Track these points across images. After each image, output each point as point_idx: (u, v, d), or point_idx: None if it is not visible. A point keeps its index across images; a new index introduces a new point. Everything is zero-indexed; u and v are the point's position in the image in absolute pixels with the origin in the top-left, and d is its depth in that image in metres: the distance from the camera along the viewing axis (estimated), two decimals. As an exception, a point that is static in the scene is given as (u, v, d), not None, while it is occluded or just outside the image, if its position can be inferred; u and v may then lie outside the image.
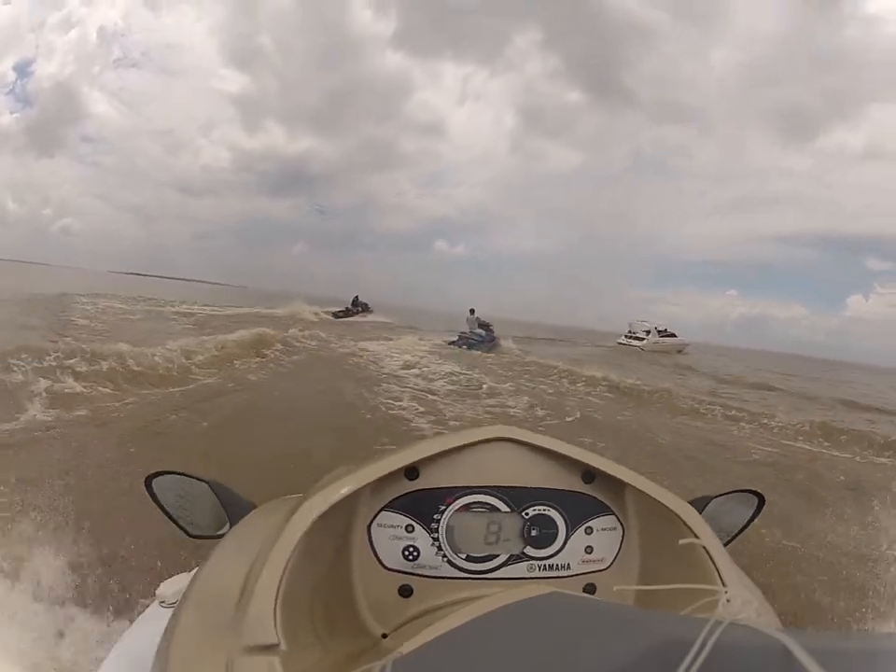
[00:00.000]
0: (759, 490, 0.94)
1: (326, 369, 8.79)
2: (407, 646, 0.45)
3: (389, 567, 0.65)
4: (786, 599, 2.45)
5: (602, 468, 0.67)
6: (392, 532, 0.65)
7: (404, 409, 6.22)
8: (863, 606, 2.38)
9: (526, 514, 0.67)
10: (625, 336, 28.94)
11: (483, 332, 15.17)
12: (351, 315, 24.74)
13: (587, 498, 0.69)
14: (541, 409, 7.12)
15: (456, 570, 0.66)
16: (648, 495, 0.65)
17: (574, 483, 0.69)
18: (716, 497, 0.91)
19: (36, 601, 1.92)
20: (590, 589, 0.68)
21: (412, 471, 0.65)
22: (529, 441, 0.67)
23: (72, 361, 5.78)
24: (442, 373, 9.51)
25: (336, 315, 24.27)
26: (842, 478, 5.08)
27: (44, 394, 4.83)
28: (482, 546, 0.66)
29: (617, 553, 0.69)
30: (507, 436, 0.67)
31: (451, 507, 0.66)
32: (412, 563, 0.65)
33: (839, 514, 3.82)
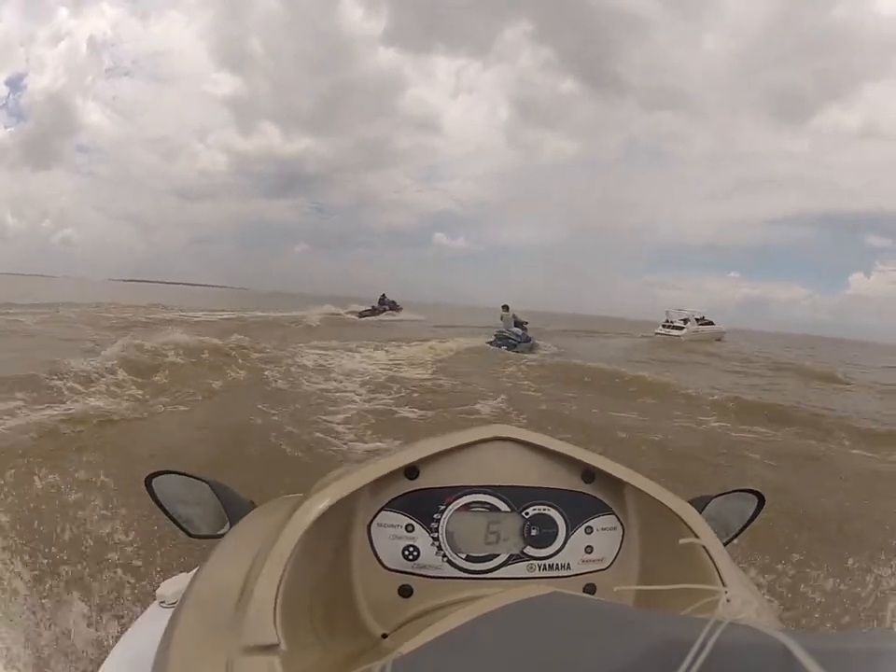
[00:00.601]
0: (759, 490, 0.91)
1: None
2: (407, 646, 0.46)
3: (389, 566, 0.66)
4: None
5: (602, 467, 0.67)
6: (392, 532, 0.66)
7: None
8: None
9: (526, 514, 0.68)
10: (663, 326, 27.87)
11: (519, 331, 14.62)
12: (377, 314, 24.57)
13: (587, 498, 0.69)
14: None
15: (456, 570, 0.66)
16: (648, 494, 0.65)
17: (574, 483, 0.69)
18: (716, 496, 0.90)
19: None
20: (590, 589, 0.68)
21: (412, 471, 0.66)
22: (528, 440, 0.68)
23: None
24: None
25: (361, 314, 24.38)
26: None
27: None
28: (482, 546, 0.67)
29: (617, 553, 0.70)
30: (506, 435, 0.68)
31: (451, 506, 0.67)
32: (412, 563, 0.66)
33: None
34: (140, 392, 5.77)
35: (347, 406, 6.16)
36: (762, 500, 0.93)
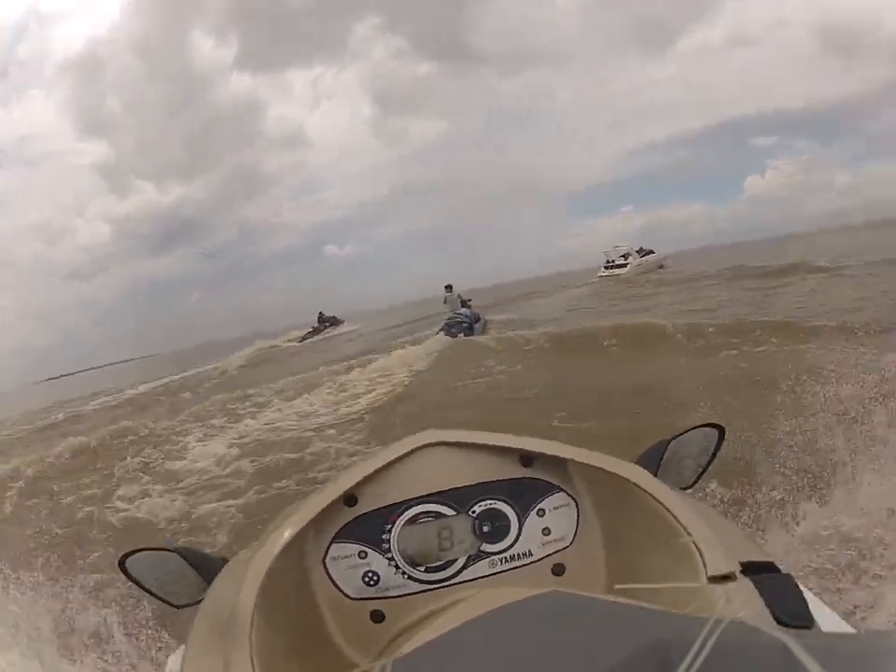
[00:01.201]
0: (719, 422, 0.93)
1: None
2: (407, 646, 0.49)
3: (354, 596, 0.67)
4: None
5: (537, 448, 0.69)
6: (347, 562, 0.67)
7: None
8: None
9: (473, 513, 0.69)
10: (604, 267, 27.42)
11: (468, 311, 13.15)
12: (319, 333, 24.04)
13: (530, 481, 0.70)
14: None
15: (420, 584, 0.68)
16: (591, 465, 0.66)
17: (514, 470, 0.70)
18: (672, 438, 0.89)
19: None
20: (558, 570, 0.70)
21: (350, 499, 0.68)
22: (459, 439, 0.69)
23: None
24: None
25: (303, 338, 24.09)
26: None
27: None
28: (437, 554, 0.68)
29: (576, 529, 0.71)
30: (435, 440, 0.69)
31: (397, 524, 0.68)
32: (373, 588, 0.67)
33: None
34: None
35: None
36: (722, 433, 0.92)
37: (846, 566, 1.81)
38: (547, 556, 0.70)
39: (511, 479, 0.70)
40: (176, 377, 18.93)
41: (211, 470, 4.99)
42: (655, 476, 0.66)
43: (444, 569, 0.68)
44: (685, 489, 0.82)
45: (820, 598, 0.60)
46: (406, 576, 0.68)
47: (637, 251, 27.91)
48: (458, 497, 0.69)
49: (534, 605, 0.46)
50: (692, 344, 6.69)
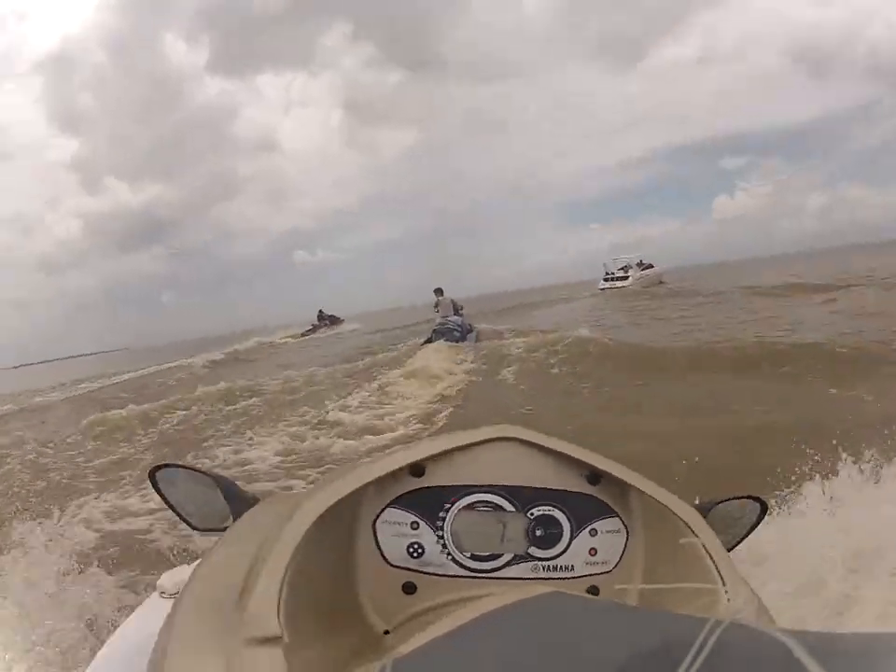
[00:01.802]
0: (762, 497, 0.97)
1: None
2: (407, 646, 0.48)
3: (394, 563, 0.67)
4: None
5: (607, 469, 0.69)
6: (397, 529, 0.67)
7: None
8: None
9: (531, 514, 0.69)
10: (604, 279, 27.32)
11: (460, 319, 11.96)
12: (317, 331, 24.65)
13: (592, 500, 0.71)
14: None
15: (461, 569, 0.68)
16: (652, 498, 0.67)
17: (579, 485, 0.71)
18: (719, 502, 0.93)
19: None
20: (593, 591, 0.70)
21: (418, 469, 0.68)
22: (535, 441, 0.69)
23: None
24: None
25: (303, 334, 24.63)
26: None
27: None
28: (486, 545, 0.69)
29: (621, 556, 0.72)
30: (513, 435, 0.69)
31: (456, 505, 0.68)
32: (416, 560, 0.67)
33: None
34: None
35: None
36: (764, 508, 0.95)
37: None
38: (587, 576, 0.71)
39: (577, 492, 0.71)
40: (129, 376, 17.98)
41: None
42: None
43: (489, 561, 0.69)
44: None
45: None
46: (450, 557, 0.68)
47: (637, 264, 27.84)
48: (520, 496, 0.69)
49: (534, 605, 0.47)
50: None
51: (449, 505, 0.68)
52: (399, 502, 0.67)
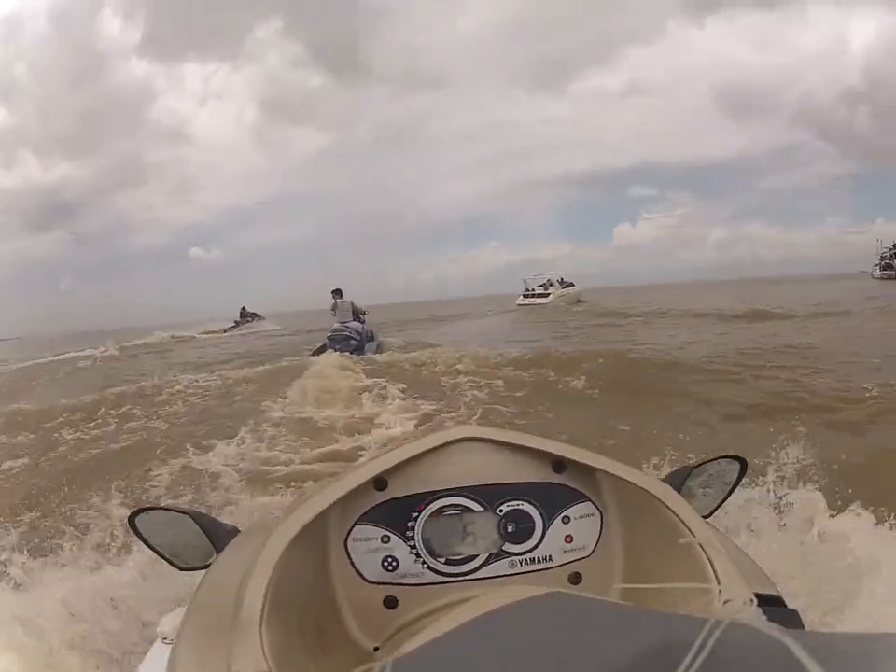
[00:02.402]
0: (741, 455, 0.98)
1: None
2: (407, 645, 0.49)
3: (371, 579, 0.68)
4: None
5: (571, 456, 0.70)
6: (368, 545, 0.68)
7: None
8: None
9: (500, 511, 0.70)
10: (524, 295, 27.19)
11: (359, 325, 10.45)
12: (239, 327, 24.28)
13: (560, 488, 0.72)
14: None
15: (437, 575, 0.69)
16: (621, 478, 0.69)
17: (545, 475, 0.72)
18: (696, 465, 0.94)
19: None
20: (575, 578, 0.71)
21: (380, 482, 0.68)
22: (494, 437, 0.71)
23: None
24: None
25: (225, 330, 24.21)
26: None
27: None
28: (459, 548, 0.69)
29: (598, 540, 0.73)
30: (471, 435, 0.70)
31: (423, 513, 0.69)
32: (392, 573, 0.68)
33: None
34: None
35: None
36: (743, 465, 0.96)
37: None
38: (566, 564, 0.71)
39: (542, 483, 0.71)
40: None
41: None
42: None
43: (464, 564, 0.69)
44: (704, 517, 0.81)
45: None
46: (425, 565, 0.68)
47: (559, 281, 28.03)
48: (487, 494, 0.69)
49: (534, 606, 0.48)
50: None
51: (416, 514, 0.68)
52: (366, 518, 0.67)
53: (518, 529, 0.69)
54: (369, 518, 0.66)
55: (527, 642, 0.38)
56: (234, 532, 0.89)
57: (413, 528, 0.67)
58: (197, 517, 0.90)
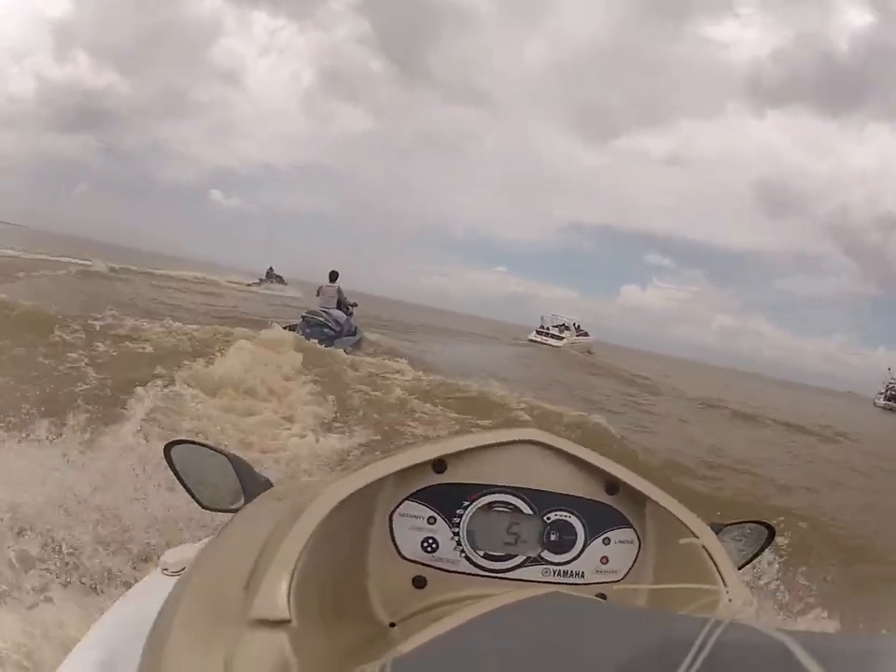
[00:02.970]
0: (770, 523, 0.99)
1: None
2: (410, 643, 0.49)
3: (406, 556, 0.68)
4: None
5: (626, 479, 0.71)
6: (413, 522, 0.68)
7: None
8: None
9: (548, 518, 0.71)
10: (537, 332, 26.77)
11: (342, 315, 9.42)
12: (261, 285, 25.26)
13: (608, 509, 0.73)
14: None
15: (473, 567, 0.69)
16: (668, 511, 0.70)
17: (597, 493, 0.72)
18: (728, 524, 0.96)
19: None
20: (600, 598, 0.71)
21: (439, 465, 0.68)
22: (558, 446, 0.71)
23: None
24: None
25: (249, 285, 25.11)
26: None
27: None
28: (501, 545, 0.70)
29: (631, 567, 0.73)
30: (536, 439, 0.71)
31: (474, 504, 0.69)
32: (429, 555, 0.68)
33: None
34: None
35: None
36: (772, 532, 0.97)
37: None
38: (596, 584, 0.72)
39: (594, 500, 0.71)
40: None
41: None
42: None
43: (501, 561, 0.69)
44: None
45: None
46: (463, 554, 0.69)
47: (575, 326, 27.74)
48: (539, 499, 0.70)
49: (534, 606, 0.48)
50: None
51: (467, 503, 0.69)
52: (418, 496, 0.68)
53: (560, 540, 0.70)
54: (420, 497, 0.67)
55: (527, 642, 0.38)
56: (267, 484, 0.91)
57: (460, 516, 0.68)
58: (234, 460, 0.91)
